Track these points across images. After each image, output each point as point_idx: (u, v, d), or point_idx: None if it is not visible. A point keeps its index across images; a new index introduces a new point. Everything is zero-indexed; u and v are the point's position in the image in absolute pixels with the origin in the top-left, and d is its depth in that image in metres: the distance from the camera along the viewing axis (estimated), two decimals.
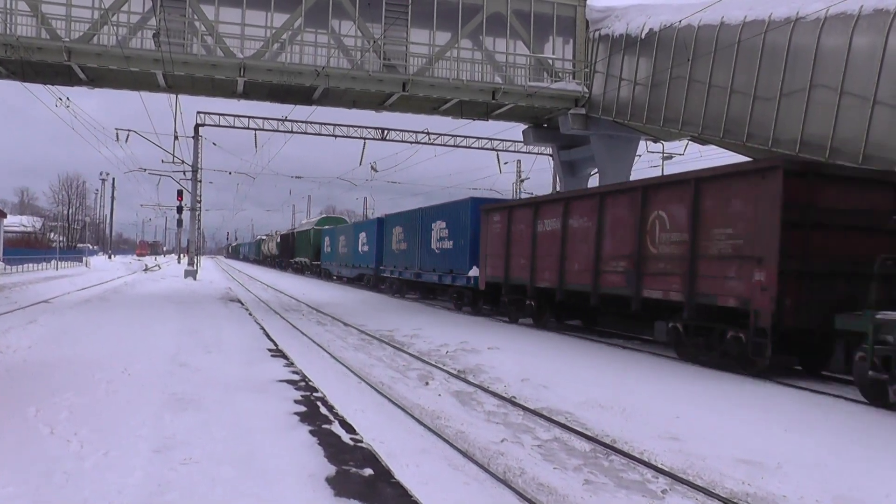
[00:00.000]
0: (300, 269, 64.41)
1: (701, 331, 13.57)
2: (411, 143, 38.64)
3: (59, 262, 57.60)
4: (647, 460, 7.07)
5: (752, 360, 12.20)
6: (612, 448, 7.49)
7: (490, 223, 22.59)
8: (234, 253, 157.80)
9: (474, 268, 23.93)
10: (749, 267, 12.15)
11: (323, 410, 8.09)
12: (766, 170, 12.06)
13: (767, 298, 11.66)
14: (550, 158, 35.28)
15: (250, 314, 20.98)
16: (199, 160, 42.99)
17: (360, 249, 41.36)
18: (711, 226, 13.08)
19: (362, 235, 40.95)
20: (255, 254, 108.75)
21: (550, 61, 26.79)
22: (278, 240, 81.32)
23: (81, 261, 67.85)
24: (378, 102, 28.28)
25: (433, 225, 28.09)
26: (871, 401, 10.07)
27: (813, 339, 11.91)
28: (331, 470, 5.85)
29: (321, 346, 15.10)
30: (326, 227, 56.06)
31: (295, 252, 66.73)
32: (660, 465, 6.91)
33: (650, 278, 14.67)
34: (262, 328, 16.94)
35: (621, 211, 15.91)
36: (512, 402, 9.72)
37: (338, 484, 5.52)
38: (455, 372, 12.08)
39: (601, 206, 16.61)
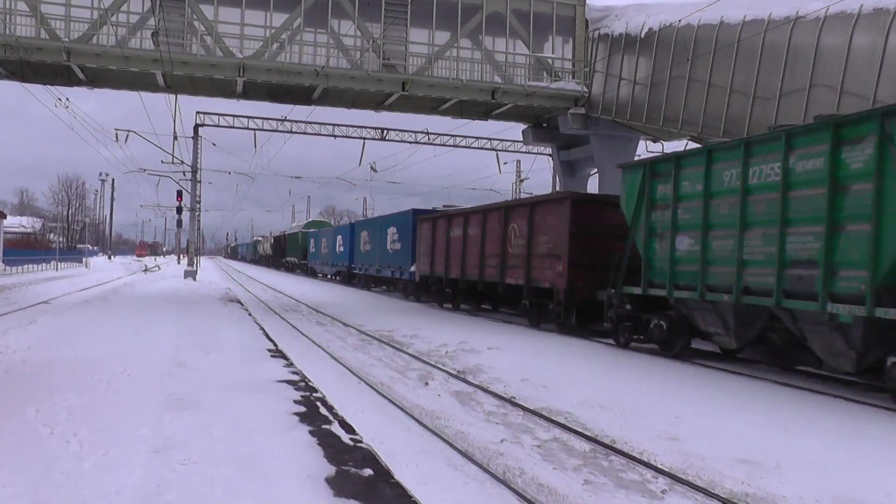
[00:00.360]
0: (290, 268, 69.79)
1: (536, 305, 19.60)
2: (411, 143, 38.65)
3: (59, 263, 57.62)
4: (646, 460, 7.07)
5: (562, 322, 18.03)
6: (611, 448, 7.49)
7: (422, 230, 28.34)
8: (232, 253, 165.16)
9: (414, 265, 29.60)
10: (554, 261, 18.18)
11: (323, 411, 8.08)
12: (563, 199, 18.38)
13: (564, 281, 17.64)
14: (550, 158, 35.28)
15: (249, 314, 20.98)
16: (199, 160, 43.00)
17: (337, 250, 46.64)
18: (538, 235, 19.18)
19: (339, 238, 46.41)
20: (251, 254, 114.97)
21: (550, 61, 26.80)
22: (272, 241, 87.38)
23: (81, 261, 67.91)
24: (377, 102, 28.30)
25: (388, 230, 34.27)
26: (616, 344, 15.60)
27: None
28: (330, 470, 5.84)
29: (320, 346, 15.10)
30: (312, 230, 62.65)
31: (286, 252, 72.64)
32: (659, 466, 6.90)
33: (509, 270, 20.84)
34: (262, 328, 16.94)
35: (495, 223, 21.93)
36: (511, 402, 9.71)
37: (337, 484, 5.51)
38: (455, 372, 12.08)
39: (484, 219, 22.64)
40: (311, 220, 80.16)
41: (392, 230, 33.80)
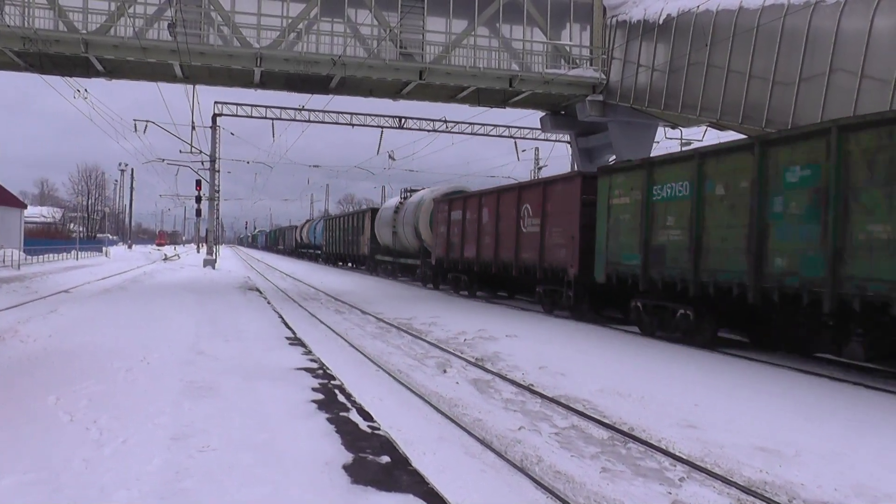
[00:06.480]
0: (257, 247, 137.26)
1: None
2: (428, 131, 38.57)
3: (79, 252, 58.08)
4: (664, 448, 7.04)
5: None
6: (629, 436, 7.46)
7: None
8: (241, 243, 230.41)
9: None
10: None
11: (341, 398, 8.11)
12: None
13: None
14: (568, 146, 35.11)
15: (269, 302, 21.05)
16: (217, 150, 43.14)
17: (262, 241, 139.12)
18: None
19: (262, 236, 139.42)
20: (248, 242, 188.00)
21: (567, 48, 26.62)
22: (251, 236, 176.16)
23: (101, 251, 68.42)
24: (395, 91, 28.24)
25: (264, 235, 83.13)
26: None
27: None
28: (348, 457, 5.86)
29: (339, 334, 15.14)
30: (260, 232, 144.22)
31: (255, 241, 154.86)
32: (677, 453, 6.88)
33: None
34: (281, 316, 16.99)
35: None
36: (530, 389, 9.70)
37: (355, 471, 5.53)
38: (473, 360, 12.08)
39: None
40: (258, 229, 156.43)
41: (266, 235, 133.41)
